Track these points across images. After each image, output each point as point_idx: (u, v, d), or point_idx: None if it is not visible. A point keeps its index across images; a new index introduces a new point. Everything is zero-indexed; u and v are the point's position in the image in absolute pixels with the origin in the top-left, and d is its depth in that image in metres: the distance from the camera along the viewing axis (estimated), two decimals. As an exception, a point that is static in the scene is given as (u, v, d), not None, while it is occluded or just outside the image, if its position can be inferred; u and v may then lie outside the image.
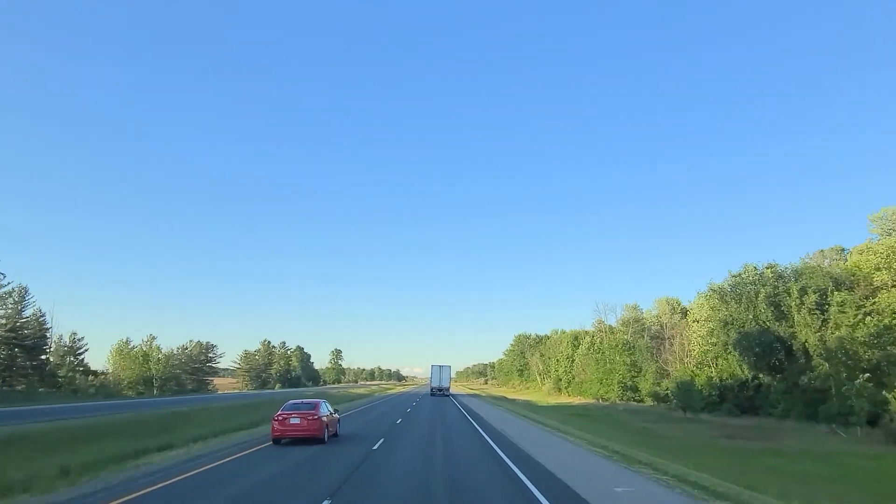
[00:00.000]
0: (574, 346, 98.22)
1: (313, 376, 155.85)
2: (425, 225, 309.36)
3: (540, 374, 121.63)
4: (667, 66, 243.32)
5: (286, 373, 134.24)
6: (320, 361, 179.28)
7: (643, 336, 73.89)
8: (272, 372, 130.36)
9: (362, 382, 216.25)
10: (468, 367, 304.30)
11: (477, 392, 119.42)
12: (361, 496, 10.34)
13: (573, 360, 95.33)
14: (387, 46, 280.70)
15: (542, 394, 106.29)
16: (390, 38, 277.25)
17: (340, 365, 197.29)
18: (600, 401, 75.83)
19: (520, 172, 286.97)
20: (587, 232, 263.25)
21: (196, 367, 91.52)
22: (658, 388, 67.04)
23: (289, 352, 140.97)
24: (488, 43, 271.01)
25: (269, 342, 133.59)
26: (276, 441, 18.57)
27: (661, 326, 75.52)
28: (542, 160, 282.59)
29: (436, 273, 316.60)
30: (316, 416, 18.71)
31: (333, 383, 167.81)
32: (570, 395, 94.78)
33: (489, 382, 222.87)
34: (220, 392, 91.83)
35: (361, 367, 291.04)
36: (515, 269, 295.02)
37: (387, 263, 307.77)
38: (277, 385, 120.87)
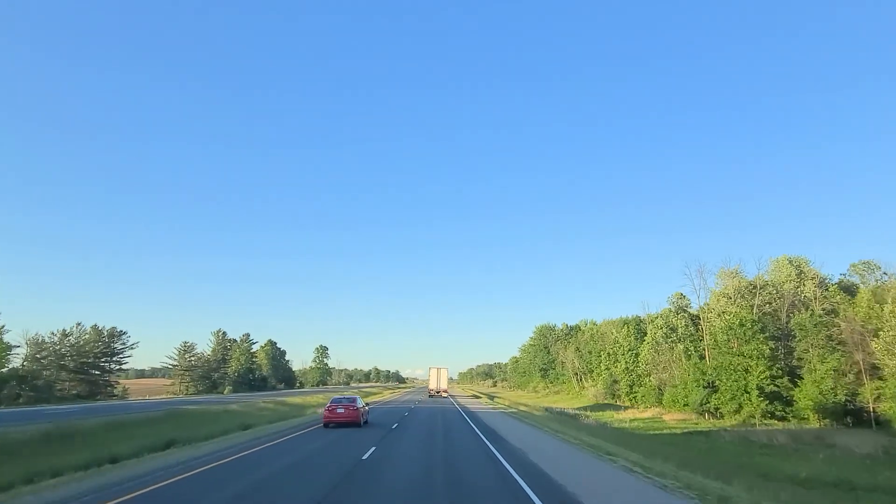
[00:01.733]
0: (636, 333, 68.87)
1: (287, 377, 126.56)
2: (425, 225, 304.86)
3: (577, 374, 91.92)
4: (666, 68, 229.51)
5: (248, 372, 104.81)
6: (306, 361, 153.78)
7: (780, 313, 44.52)
8: (228, 371, 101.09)
9: (355, 385, 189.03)
10: (472, 369, 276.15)
11: (484, 398, 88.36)
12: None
13: (637, 354, 65.97)
14: (387, 49, 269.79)
15: (585, 399, 76.71)
16: (390, 40, 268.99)
17: (326, 364, 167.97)
18: (706, 416, 46.48)
19: (519, 172, 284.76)
20: (588, 230, 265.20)
21: (87, 361, 62.30)
22: (836, 397, 37.62)
23: (253, 346, 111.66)
24: (489, 44, 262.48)
25: (223, 333, 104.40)
26: (326, 425, 25.01)
27: (804, 298, 46.25)
28: (541, 160, 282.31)
29: (437, 273, 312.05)
30: (355, 407, 25.69)
31: (316, 385, 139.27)
32: (631, 402, 65.45)
33: (499, 385, 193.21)
34: (128, 400, 62.76)
35: (359, 368, 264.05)
36: (516, 268, 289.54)
37: (386, 263, 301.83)
38: (227, 389, 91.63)
